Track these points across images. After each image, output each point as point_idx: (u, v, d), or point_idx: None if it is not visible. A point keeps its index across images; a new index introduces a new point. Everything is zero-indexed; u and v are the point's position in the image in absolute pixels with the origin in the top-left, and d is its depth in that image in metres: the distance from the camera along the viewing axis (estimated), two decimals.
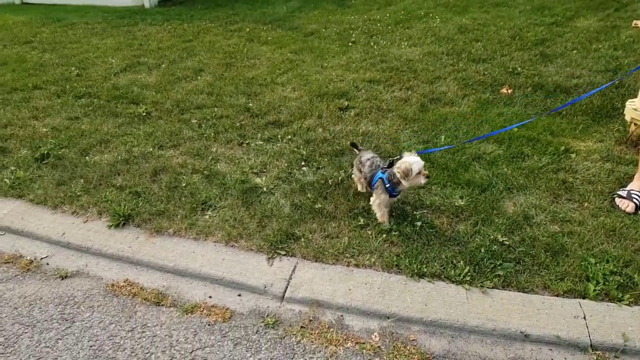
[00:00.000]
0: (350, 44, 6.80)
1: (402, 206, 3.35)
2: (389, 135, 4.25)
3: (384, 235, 3.08)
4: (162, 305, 2.79)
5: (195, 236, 3.20)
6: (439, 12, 8.07)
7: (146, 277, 2.99)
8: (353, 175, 3.51)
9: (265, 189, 3.59)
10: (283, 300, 2.76)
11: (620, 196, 3.30)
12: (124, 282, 2.96)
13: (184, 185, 3.69)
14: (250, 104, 5.01)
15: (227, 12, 9.24)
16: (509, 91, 4.97)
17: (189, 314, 2.71)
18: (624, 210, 3.20)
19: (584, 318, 2.50)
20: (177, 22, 8.60)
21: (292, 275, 2.85)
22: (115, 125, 4.72)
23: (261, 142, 4.27)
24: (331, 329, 2.59)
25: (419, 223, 3.16)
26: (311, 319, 2.65)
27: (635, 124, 3.89)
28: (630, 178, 3.49)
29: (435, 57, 6.05)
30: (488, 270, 2.82)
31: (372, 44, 6.72)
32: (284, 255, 3.00)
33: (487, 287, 2.72)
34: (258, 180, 3.68)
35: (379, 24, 7.65)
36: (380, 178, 3.09)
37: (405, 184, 2.95)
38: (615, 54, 5.70)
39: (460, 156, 3.92)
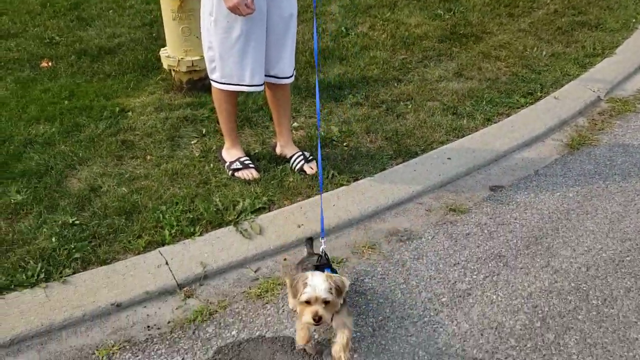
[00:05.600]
0: None
1: None
2: None
3: None
4: None
5: None
6: None
7: None
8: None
9: None
10: None
11: (236, 169, 3.12)
12: None
13: None
14: None
15: None
16: (50, 64, 4.58)
17: None
18: (250, 179, 3.08)
19: (167, 264, 2.56)
20: None
21: None
22: None
23: None
24: None
25: None
26: None
27: (175, 70, 4.12)
28: (187, 121, 3.72)
29: None
30: (64, 257, 2.56)
31: None
32: None
33: (67, 276, 2.48)
34: None
35: None
36: None
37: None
38: (148, 7, 5.92)
39: (9, 146, 3.41)
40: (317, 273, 1.96)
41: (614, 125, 3.60)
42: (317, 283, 1.89)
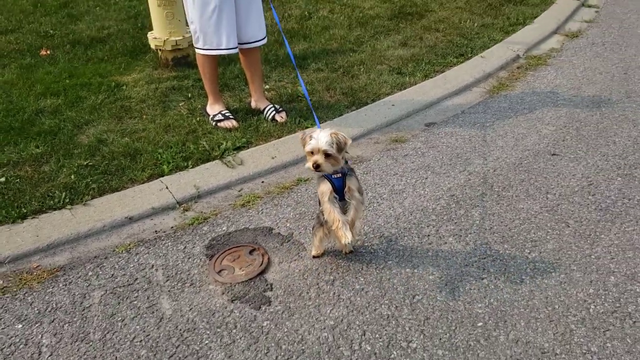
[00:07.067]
0: None
1: None
2: None
3: None
4: None
5: None
6: None
7: None
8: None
9: None
10: None
11: (219, 120, 3.79)
12: None
13: None
14: None
15: None
16: (48, 52, 5.19)
17: None
18: (230, 128, 3.73)
19: (167, 188, 3.21)
20: None
21: None
22: None
23: None
24: None
25: (2, 179, 3.23)
26: None
27: (161, 50, 4.78)
28: (174, 89, 4.37)
29: None
30: (83, 188, 3.19)
31: None
32: None
33: (88, 201, 3.11)
34: None
35: None
36: None
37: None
38: (131, 4, 6.56)
39: (22, 115, 4.02)
40: (325, 130, 2.20)
41: (528, 75, 4.39)
42: (321, 137, 2.16)
